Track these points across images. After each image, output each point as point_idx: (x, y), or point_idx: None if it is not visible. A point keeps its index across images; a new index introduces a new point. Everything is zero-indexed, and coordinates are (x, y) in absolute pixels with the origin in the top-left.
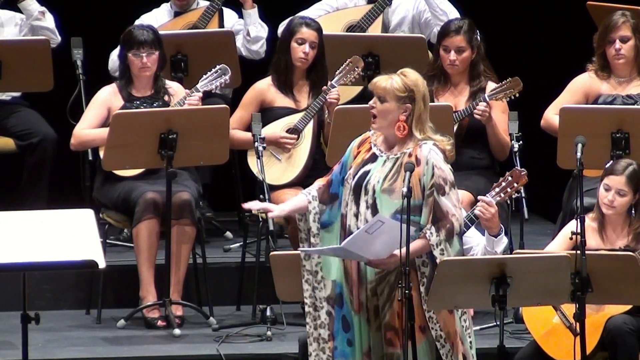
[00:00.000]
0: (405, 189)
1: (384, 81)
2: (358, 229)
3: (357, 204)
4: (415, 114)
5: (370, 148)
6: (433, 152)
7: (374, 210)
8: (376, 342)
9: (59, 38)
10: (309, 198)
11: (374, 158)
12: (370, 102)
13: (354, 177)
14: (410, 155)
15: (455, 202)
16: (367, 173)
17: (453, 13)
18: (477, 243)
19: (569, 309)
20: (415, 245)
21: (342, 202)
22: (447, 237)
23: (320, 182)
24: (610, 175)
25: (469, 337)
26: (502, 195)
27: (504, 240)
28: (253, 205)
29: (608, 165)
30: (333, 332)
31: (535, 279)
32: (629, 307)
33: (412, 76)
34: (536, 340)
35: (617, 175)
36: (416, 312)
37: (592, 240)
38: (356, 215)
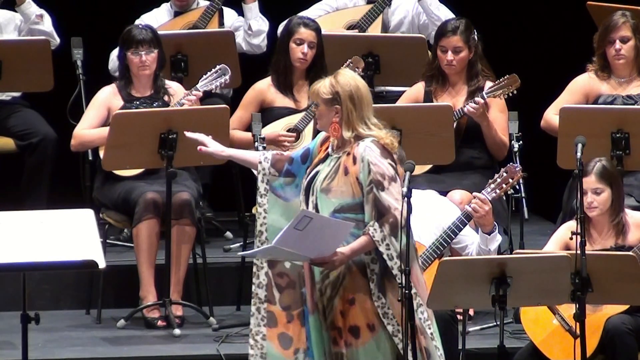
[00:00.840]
0: (405, 189)
1: (315, 85)
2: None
3: (307, 204)
4: (343, 114)
5: (328, 147)
6: (368, 149)
7: (317, 210)
8: (327, 341)
9: (58, 40)
10: (260, 158)
11: (325, 158)
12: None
13: (306, 178)
14: (349, 154)
15: (397, 196)
16: (317, 173)
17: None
18: (472, 242)
19: (566, 311)
20: (358, 242)
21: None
22: (392, 231)
23: (283, 151)
24: (582, 178)
25: (429, 328)
26: (497, 191)
27: (497, 238)
28: (190, 134)
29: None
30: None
31: (535, 279)
32: (626, 306)
33: (341, 77)
34: (536, 345)
35: (587, 176)
36: (364, 310)
37: None
38: None
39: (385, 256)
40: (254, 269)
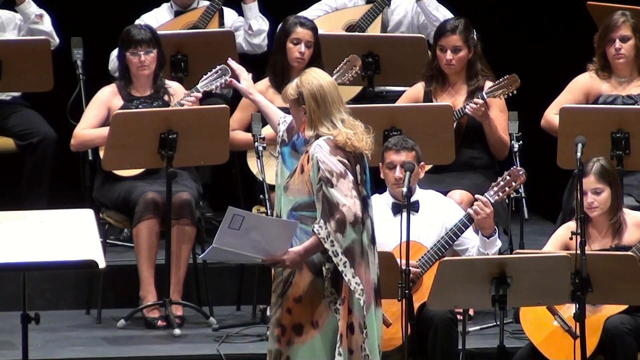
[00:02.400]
0: (405, 189)
1: (285, 87)
2: None
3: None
4: (307, 114)
5: None
6: (317, 147)
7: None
8: (270, 338)
9: (57, 41)
10: (280, 120)
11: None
12: None
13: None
14: (306, 152)
15: (347, 192)
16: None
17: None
18: (472, 245)
19: (566, 312)
20: (310, 241)
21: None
22: (338, 227)
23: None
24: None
25: (366, 327)
26: (500, 194)
27: (497, 243)
28: (232, 62)
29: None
30: None
31: (535, 279)
32: (625, 306)
33: (305, 77)
34: (536, 346)
35: (586, 176)
36: (311, 308)
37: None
38: (280, 215)
39: (330, 253)
40: None
